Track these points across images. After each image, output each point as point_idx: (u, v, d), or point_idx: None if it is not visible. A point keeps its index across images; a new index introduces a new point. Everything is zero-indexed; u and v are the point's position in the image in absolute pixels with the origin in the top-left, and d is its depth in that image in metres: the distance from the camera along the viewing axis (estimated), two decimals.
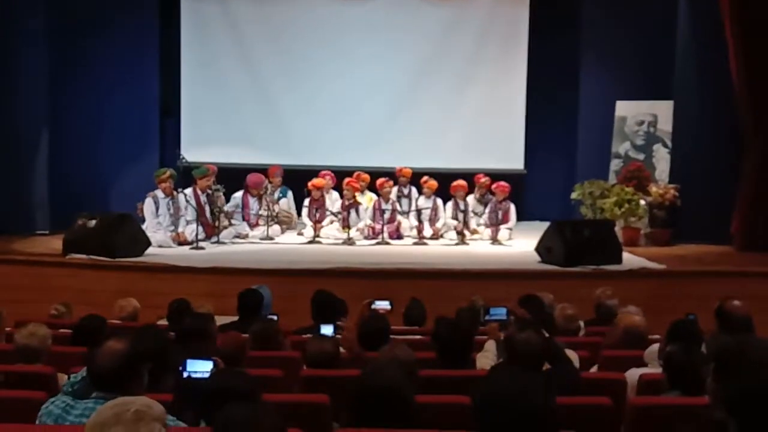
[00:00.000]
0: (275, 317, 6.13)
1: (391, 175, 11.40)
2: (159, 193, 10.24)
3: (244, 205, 11.04)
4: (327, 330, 5.40)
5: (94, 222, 9.26)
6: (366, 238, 10.84)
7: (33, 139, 11.45)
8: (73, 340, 5.19)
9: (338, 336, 5.61)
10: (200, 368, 3.83)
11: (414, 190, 11.53)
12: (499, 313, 5.70)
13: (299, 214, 11.35)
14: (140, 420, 2.46)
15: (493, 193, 11.24)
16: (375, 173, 11.53)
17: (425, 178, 11.34)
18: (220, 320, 6.43)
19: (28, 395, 3.79)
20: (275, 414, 2.62)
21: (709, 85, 11.01)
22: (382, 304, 6.58)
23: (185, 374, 3.83)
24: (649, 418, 3.69)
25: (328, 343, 4.67)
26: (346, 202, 10.94)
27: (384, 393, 3.15)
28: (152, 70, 12.80)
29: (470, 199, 11.28)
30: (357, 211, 10.99)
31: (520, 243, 10.70)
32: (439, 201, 11.22)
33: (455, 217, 11.01)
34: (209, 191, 10.47)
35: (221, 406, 2.68)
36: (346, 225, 10.71)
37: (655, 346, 4.80)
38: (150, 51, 12.75)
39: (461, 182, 11.20)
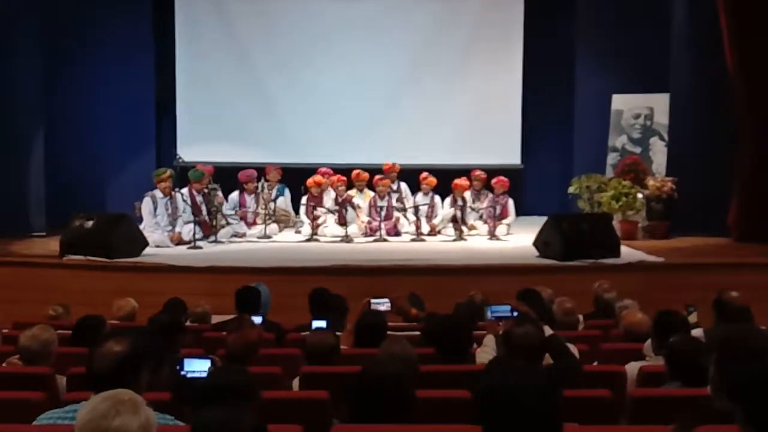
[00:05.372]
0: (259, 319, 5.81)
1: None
2: (157, 193, 10.22)
3: (241, 204, 11.03)
4: (320, 325, 5.37)
5: (91, 222, 9.22)
6: (364, 235, 10.83)
7: (28, 140, 11.37)
8: (73, 340, 5.17)
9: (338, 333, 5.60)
10: (198, 367, 3.82)
11: (403, 185, 11.50)
12: (503, 310, 5.50)
13: (297, 212, 11.31)
14: (138, 408, 2.45)
15: (491, 189, 11.22)
16: (372, 170, 11.49)
17: (425, 174, 11.29)
18: (218, 319, 6.44)
19: (27, 396, 3.78)
20: (254, 414, 2.60)
21: (704, 78, 10.97)
22: (381, 302, 6.54)
23: (183, 373, 3.82)
24: (649, 409, 3.68)
25: (329, 336, 4.67)
26: (339, 199, 10.94)
27: (386, 384, 3.15)
28: (147, 68, 12.82)
29: (467, 194, 11.22)
30: (353, 207, 10.97)
31: (518, 238, 10.69)
32: (437, 197, 11.20)
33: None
34: (205, 190, 10.45)
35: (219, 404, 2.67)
36: (342, 222, 10.72)
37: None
38: (145, 48, 12.77)
39: (464, 181, 11.14)
